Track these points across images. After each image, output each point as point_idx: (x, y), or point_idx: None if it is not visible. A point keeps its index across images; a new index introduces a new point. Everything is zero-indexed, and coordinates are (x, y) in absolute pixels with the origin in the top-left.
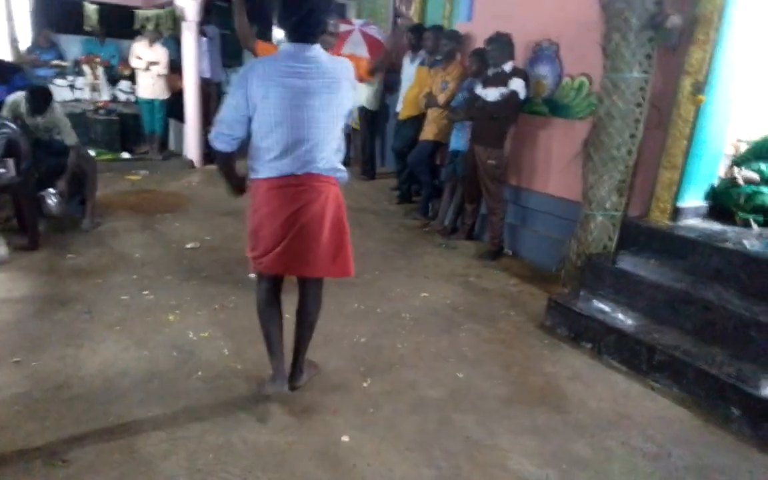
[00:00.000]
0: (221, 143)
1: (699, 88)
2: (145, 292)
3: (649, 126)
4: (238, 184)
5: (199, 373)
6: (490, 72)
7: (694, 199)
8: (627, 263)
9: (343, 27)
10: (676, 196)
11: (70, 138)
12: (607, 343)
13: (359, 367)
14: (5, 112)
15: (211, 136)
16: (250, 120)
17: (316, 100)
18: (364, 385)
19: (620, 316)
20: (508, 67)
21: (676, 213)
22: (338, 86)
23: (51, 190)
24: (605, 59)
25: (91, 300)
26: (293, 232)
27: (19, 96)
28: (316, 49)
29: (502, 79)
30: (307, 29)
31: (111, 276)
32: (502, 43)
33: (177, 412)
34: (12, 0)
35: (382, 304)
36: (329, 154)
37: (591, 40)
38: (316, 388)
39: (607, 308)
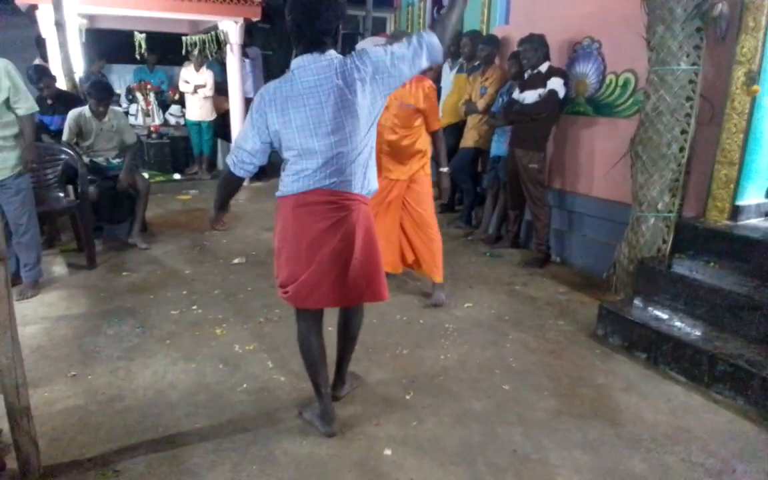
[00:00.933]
0: (240, 170)
1: (753, 78)
2: (194, 307)
3: (702, 121)
4: (222, 214)
5: (245, 385)
6: (526, 74)
7: (754, 196)
8: (683, 267)
9: (378, 41)
10: (735, 194)
11: (131, 136)
12: (664, 353)
13: (401, 380)
14: (66, 132)
15: (229, 160)
16: (270, 146)
17: (338, 112)
18: (407, 397)
19: (677, 323)
20: (544, 67)
21: (736, 212)
22: (357, 88)
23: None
24: (650, 53)
25: (144, 315)
26: (330, 258)
27: (76, 110)
28: (329, 56)
29: (539, 81)
30: (312, 38)
31: (162, 292)
32: (535, 44)
33: (223, 424)
34: (66, 33)
35: (425, 315)
36: (360, 166)
37: (634, 35)
38: (358, 400)
39: (662, 315)
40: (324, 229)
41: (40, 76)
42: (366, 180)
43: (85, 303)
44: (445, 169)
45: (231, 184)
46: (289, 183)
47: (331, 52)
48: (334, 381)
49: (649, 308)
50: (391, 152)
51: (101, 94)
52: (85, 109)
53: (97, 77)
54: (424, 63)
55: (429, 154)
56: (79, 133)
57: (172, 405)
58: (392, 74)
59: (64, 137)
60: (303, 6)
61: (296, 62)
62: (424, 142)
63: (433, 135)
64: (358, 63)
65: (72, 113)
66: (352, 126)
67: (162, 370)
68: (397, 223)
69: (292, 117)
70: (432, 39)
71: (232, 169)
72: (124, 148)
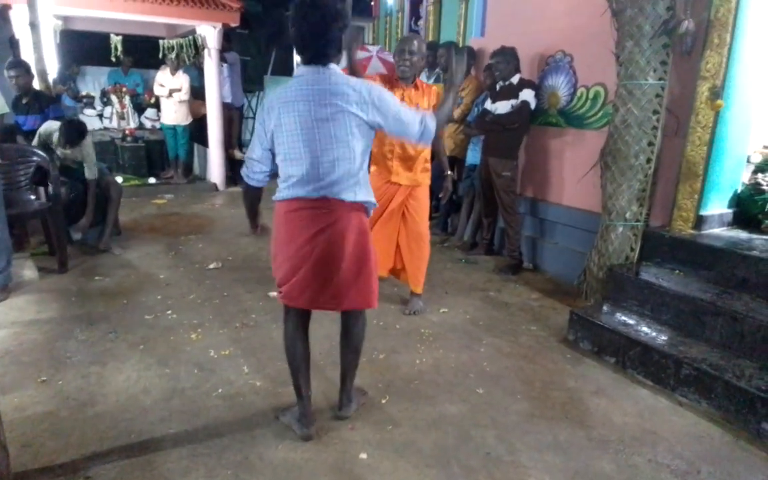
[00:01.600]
0: (254, 181)
1: (717, 93)
2: (169, 312)
3: (668, 133)
4: (254, 223)
5: (219, 390)
6: (498, 85)
7: (717, 206)
8: (650, 274)
9: (362, 54)
10: (699, 205)
11: (91, 172)
12: (632, 357)
13: (378, 384)
14: (36, 139)
15: (244, 172)
16: (272, 153)
17: (327, 124)
18: (383, 401)
19: (645, 328)
20: (515, 79)
21: (700, 222)
22: (350, 105)
23: (72, 228)
24: (619, 67)
25: (117, 320)
26: (308, 262)
27: (52, 126)
28: (329, 71)
29: (511, 92)
30: (316, 50)
31: (136, 296)
32: (507, 57)
33: (197, 429)
34: (40, 34)
35: (401, 320)
36: (347, 177)
37: (604, 50)
38: (334, 404)
39: (630, 321)
40: (312, 234)
41: (13, 67)
42: (357, 190)
43: (56, 307)
44: (450, 173)
45: (249, 195)
46: (282, 188)
47: (334, 67)
48: (339, 399)
49: (618, 314)
50: (403, 156)
51: (71, 136)
52: (56, 132)
53: (73, 113)
54: (414, 138)
55: (429, 165)
56: (47, 147)
57: (146, 410)
58: (388, 120)
59: (33, 142)
60: (309, 21)
61: (298, 70)
62: (428, 151)
63: (436, 141)
64: (363, 88)
65: (43, 129)
66: (340, 139)
67: (135, 376)
68: (396, 231)
69: (284, 121)
70: (432, 125)
71: (245, 180)
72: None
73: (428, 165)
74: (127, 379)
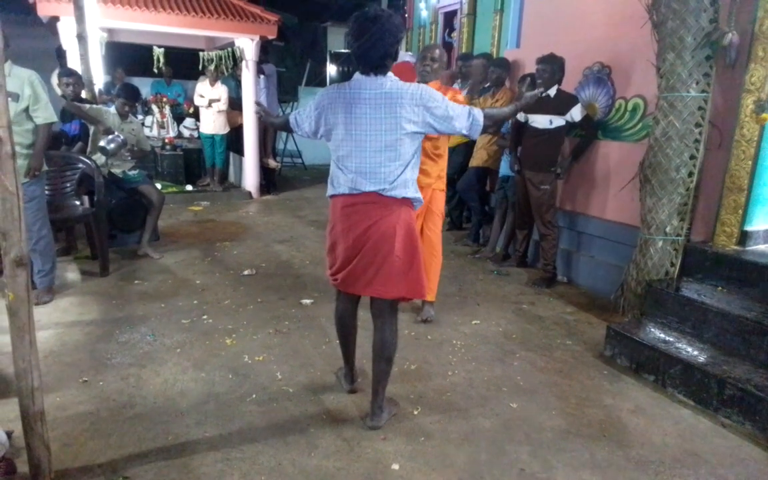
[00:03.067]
0: (295, 130)
1: (762, 106)
2: (205, 317)
3: (711, 146)
4: (273, 124)
5: (253, 395)
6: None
7: (762, 222)
8: (691, 290)
9: (407, 57)
10: (743, 220)
11: (146, 144)
12: (672, 375)
13: (409, 395)
14: (93, 110)
15: (292, 121)
16: (315, 126)
17: (380, 125)
18: (415, 413)
19: (685, 346)
20: (552, 91)
21: (744, 237)
22: (403, 109)
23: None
24: (660, 79)
25: (155, 323)
26: (361, 252)
27: (101, 109)
28: (383, 79)
29: (549, 105)
30: (369, 61)
31: (173, 301)
32: (555, 67)
33: (232, 434)
34: (87, 45)
35: (433, 331)
36: (396, 176)
37: (644, 61)
38: (366, 413)
39: (670, 338)
40: (366, 227)
41: (69, 75)
42: (405, 188)
43: (97, 310)
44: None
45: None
46: (336, 185)
47: (391, 75)
48: (370, 408)
49: (657, 331)
50: (426, 158)
51: (129, 94)
52: (111, 107)
53: (133, 115)
54: (464, 131)
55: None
56: (102, 128)
57: (182, 413)
58: (437, 118)
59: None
60: (371, 34)
61: (357, 76)
62: (442, 156)
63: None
64: (415, 91)
65: (96, 111)
66: (391, 141)
67: (172, 379)
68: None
69: (340, 120)
70: (479, 119)
71: (292, 127)
72: (141, 156)
73: (444, 173)
74: (165, 381)
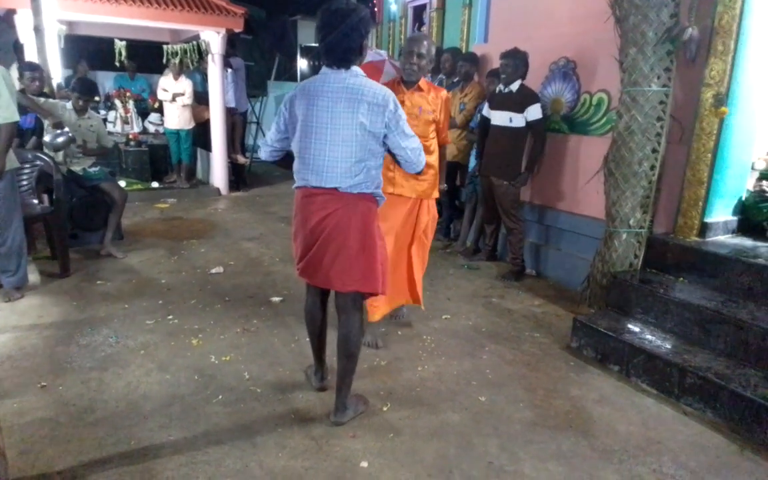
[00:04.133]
0: (264, 154)
1: (721, 100)
2: (170, 317)
3: (672, 140)
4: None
5: (220, 396)
6: (497, 89)
7: (722, 214)
8: (654, 282)
9: (374, 56)
10: (703, 212)
11: (108, 140)
12: (636, 365)
13: (379, 391)
14: (48, 103)
15: (260, 147)
16: (284, 126)
17: (337, 120)
18: (384, 409)
19: (649, 336)
20: (515, 86)
21: (704, 229)
22: (363, 106)
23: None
24: (623, 74)
25: (118, 325)
26: (318, 242)
27: (57, 102)
28: (346, 73)
29: (510, 100)
30: (334, 55)
31: (137, 301)
32: (518, 61)
33: (197, 436)
34: (44, 38)
35: (403, 326)
36: (355, 171)
37: (608, 56)
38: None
39: (635, 328)
40: (321, 217)
41: (33, 69)
42: (363, 182)
43: (57, 312)
44: (443, 186)
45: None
46: (297, 178)
47: (356, 69)
48: (335, 405)
49: (622, 321)
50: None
51: (84, 88)
52: (67, 103)
53: (95, 110)
54: (404, 158)
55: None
56: (53, 122)
57: (145, 416)
58: (390, 129)
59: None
60: (337, 29)
61: (323, 70)
62: (435, 158)
63: (441, 149)
64: (380, 93)
65: (52, 105)
66: (348, 136)
67: (135, 381)
68: (405, 249)
69: (300, 113)
70: (421, 161)
71: (259, 155)
72: (101, 153)
73: (436, 177)
74: (127, 384)
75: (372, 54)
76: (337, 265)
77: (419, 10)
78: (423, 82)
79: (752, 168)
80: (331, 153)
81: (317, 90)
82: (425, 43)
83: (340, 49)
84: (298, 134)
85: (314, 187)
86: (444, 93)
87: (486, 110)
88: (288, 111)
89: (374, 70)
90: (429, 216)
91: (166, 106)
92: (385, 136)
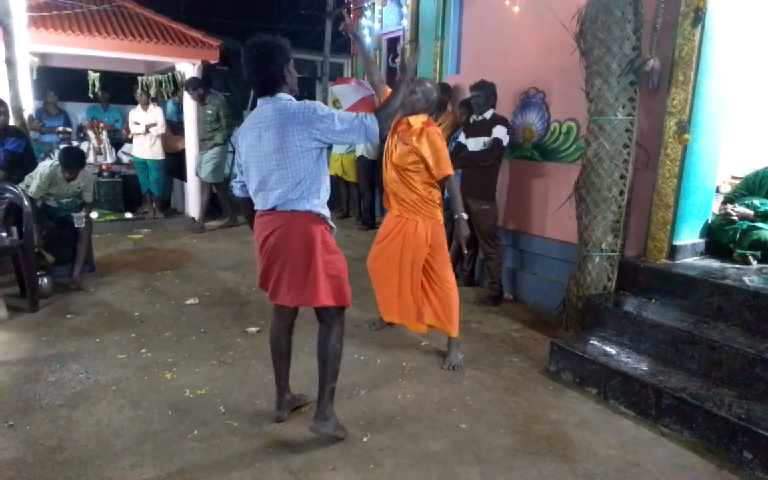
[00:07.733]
0: (236, 190)
1: (684, 127)
2: (143, 351)
3: (639, 166)
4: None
5: (195, 432)
6: (472, 119)
7: (690, 237)
8: (628, 304)
9: (364, 92)
10: (672, 235)
11: (89, 196)
12: (613, 387)
13: (359, 421)
14: (41, 184)
15: (236, 173)
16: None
17: (269, 146)
18: (364, 439)
19: (625, 358)
20: (488, 114)
21: (673, 251)
22: (286, 128)
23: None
24: (589, 103)
25: (88, 360)
26: (266, 259)
27: (53, 167)
28: (277, 99)
29: (484, 128)
30: (260, 85)
31: (109, 335)
32: (488, 91)
33: (171, 474)
34: (16, 71)
35: (382, 354)
36: (293, 191)
37: (575, 86)
38: (313, 443)
39: (611, 350)
40: (265, 236)
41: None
42: (304, 201)
43: (25, 348)
44: (464, 215)
45: (242, 203)
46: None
47: (281, 95)
48: (315, 413)
49: (598, 344)
50: (392, 191)
51: (69, 162)
52: (58, 169)
53: (48, 148)
54: (361, 141)
55: (439, 203)
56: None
57: (117, 455)
58: (323, 131)
59: (33, 192)
60: (252, 63)
61: (258, 101)
62: (428, 190)
63: (444, 182)
64: (302, 107)
65: (45, 170)
66: (283, 160)
67: (106, 419)
68: (397, 269)
69: (240, 145)
70: (373, 125)
71: (232, 191)
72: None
73: (433, 207)
74: (98, 422)
75: (362, 90)
76: (284, 281)
77: (393, 42)
78: (415, 119)
79: (717, 191)
80: (268, 177)
81: (252, 122)
82: (428, 84)
83: (260, 79)
84: (243, 164)
85: (262, 211)
86: (433, 128)
87: (462, 138)
88: (239, 146)
89: (369, 106)
90: (418, 237)
91: (135, 136)
92: (319, 140)
